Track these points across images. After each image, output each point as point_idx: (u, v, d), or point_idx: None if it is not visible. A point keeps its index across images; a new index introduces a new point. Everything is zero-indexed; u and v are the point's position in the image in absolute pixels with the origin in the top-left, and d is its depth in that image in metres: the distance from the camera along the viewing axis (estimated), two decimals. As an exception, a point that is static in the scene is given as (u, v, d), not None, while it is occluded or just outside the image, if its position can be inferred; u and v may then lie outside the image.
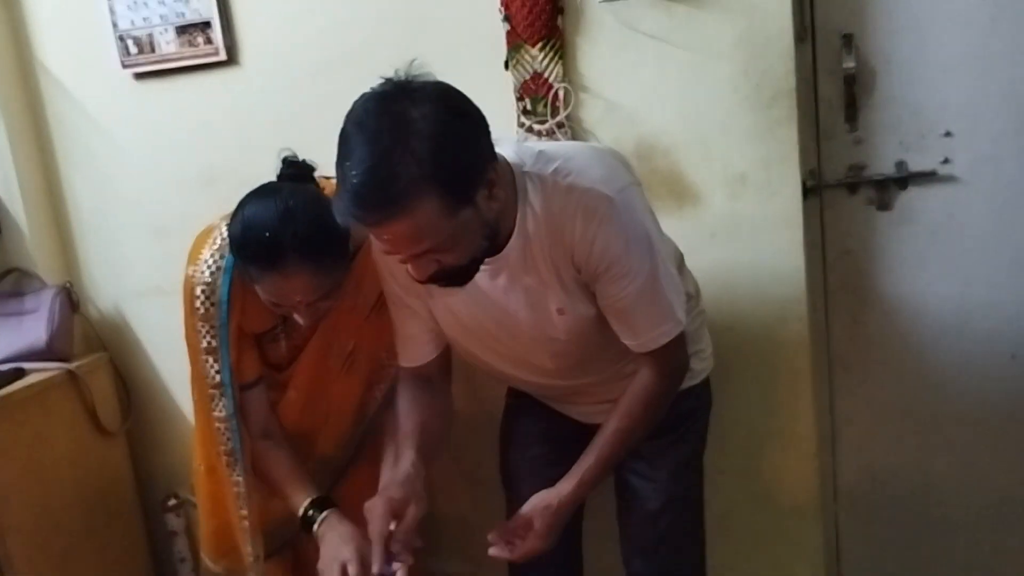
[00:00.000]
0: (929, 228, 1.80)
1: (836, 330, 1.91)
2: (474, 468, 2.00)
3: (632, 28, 1.76)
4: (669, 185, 1.80)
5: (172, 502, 2.29)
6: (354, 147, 1.19)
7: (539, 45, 1.80)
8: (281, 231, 1.39)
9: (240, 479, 1.65)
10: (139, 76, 2.15)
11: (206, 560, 1.83)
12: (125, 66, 2.14)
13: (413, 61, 1.24)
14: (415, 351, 1.57)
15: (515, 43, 1.82)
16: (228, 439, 1.64)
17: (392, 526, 1.40)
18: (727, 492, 1.90)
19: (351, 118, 1.22)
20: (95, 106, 2.21)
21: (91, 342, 2.30)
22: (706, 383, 1.68)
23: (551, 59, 1.80)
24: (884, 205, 1.81)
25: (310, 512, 1.58)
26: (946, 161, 1.76)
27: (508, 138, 1.34)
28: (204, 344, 1.60)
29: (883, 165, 1.80)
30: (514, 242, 1.36)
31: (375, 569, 1.37)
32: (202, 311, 1.58)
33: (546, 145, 1.47)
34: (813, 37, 1.78)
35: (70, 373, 2.15)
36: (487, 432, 1.80)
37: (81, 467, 2.18)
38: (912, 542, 1.96)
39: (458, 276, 1.33)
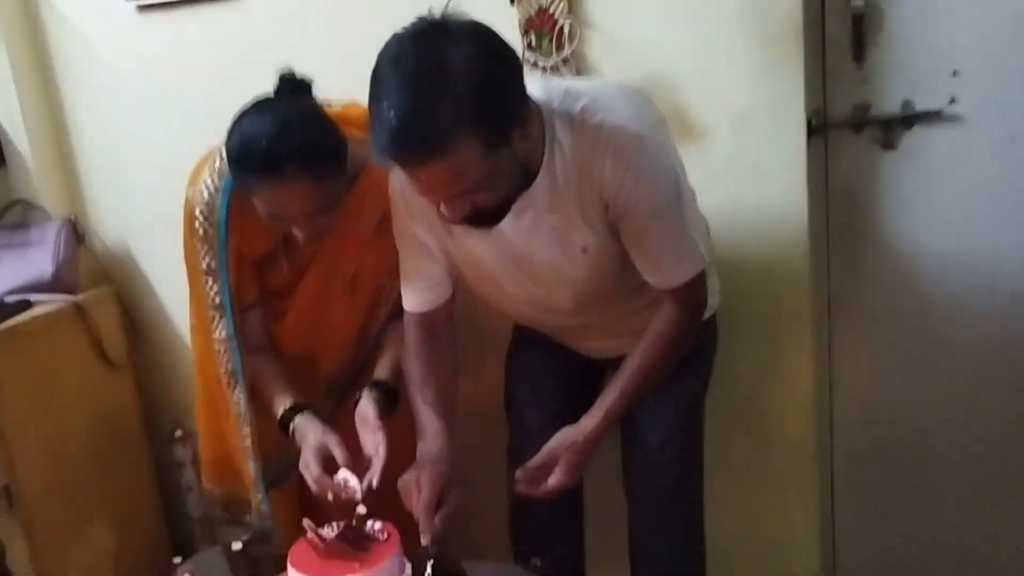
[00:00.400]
0: (933, 168, 1.79)
1: (837, 270, 1.92)
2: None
3: (640, -39, 1.74)
4: (673, 122, 1.76)
5: (179, 433, 2.32)
6: (391, 88, 1.19)
7: (545, -21, 1.79)
8: (278, 141, 1.39)
9: (241, 398, 1.68)
10: (142, 8, 2.13)
11: (208, 485, 1.87)
12: (128, -1, 2.13)
13: (448, 2, 1.23)
14: (423, 296, 1.57)
15: (520, -23, 1.81)
16: (228, 360, 1.66)
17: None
18: (727, 428, 1.92)
19: (385, 58, 1.22)
20: (99, 39, 2.20)
21: (96, 275, 2.32)
22: (713, 320, 1.70)
23: (557, -7, 1.79)
24: (889, 145, 1.81)
25: (288, 416, 1.62)
26: (953, 101, 1.75)
27: (534, 76, 1.33)
28: (204, 266, 1.61)
29: (889, 104, 1.79)
30: (540, 181, 1.36)
31: (424, 540, 1.38)
32: (201, 232, 1.59)
33: (572, 82, 1.48)
34: (822, -26, 1.77)
35: (76, 305, 2.17)
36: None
37: (88, 399, 2.21)
38: (906, 480, 1.99)
39: (491, 216, 1.35)
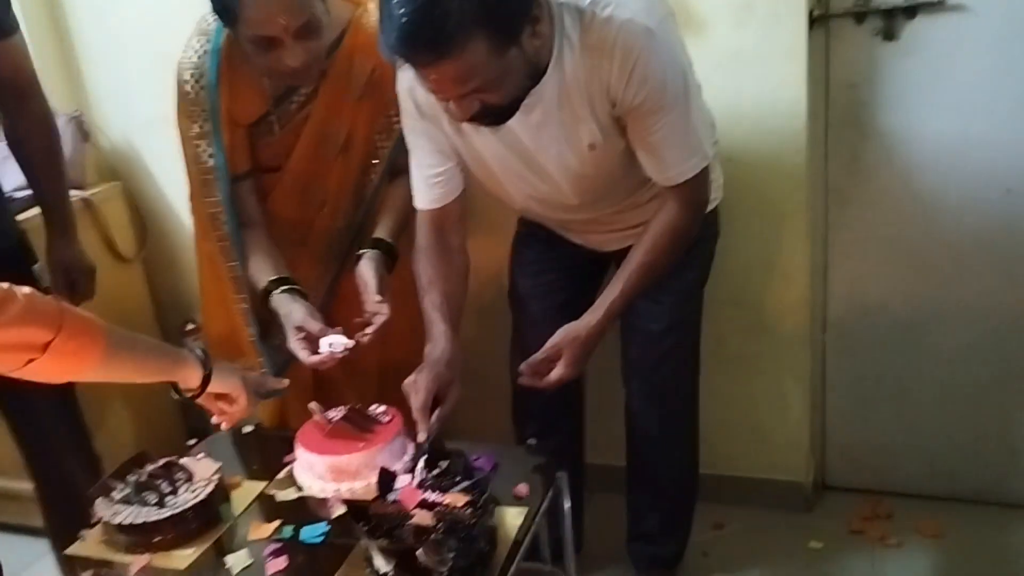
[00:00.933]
0: (934, 60, 1.78)
1: (834, 163, 1.93)
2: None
3: None
4: (675, 10, 1.76)
5: (190, 326, 2.38)
6: None
7: None
8: None
9: (236, 263, 1.73)
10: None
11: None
12: None
13: None
14: (433, 192, 1.58)
15: None
16: (224, 223, 1.70)
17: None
18: (723, 319, 1.98)
19: None
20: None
21: (103, 172, 2.35)
22: (715, 213, 1.72)
23: None
24: (890, 35, 1.79)
25: (270, 288, 1.67)
26: (957, -10, 1.73)
27: None
28: (195, 130, 1.64)
29: (892, -7, 1.77)
30: (550, 77, 1.36)
31: (420, 437, 1.44)
32: (192, 95, 1.62)
33: None
34: None
35: (85, 201, 2.21)
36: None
37: (100, 293, 2.25)
38: (895, 370, 2.05)
39: (500, 114, 1.36)
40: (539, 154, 1.47)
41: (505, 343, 1.88)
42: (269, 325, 1.79)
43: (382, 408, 1.52)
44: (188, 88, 1.62)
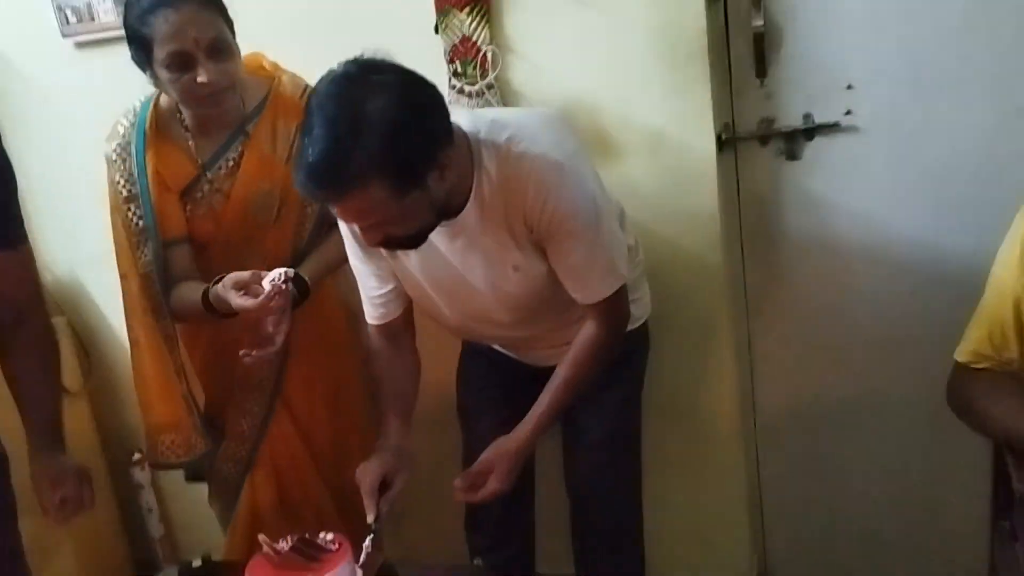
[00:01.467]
0: (835, 175, 1.93)
1: (752, 272, 2.05)
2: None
3: (553, -8, 1.85)
4: (593, 141, 1.89)
5: (137, 456, 2.39)
6: (313, 125, 1.29)
7: (466, 9, 1.88)
8: None
9: (168, 322, 1.77)
10: (80, 45, 2.20)
11: (152, 447, 1.88)
12: (65, 35, 2.18)
13: (378, 49, 1.33)
14: (379, 311, 1.68)
15: (443, 8, 1.90)
16: (155, 283, 1.74)
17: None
18: (661, 426, 2.04)
19: (316, 94, 1.32)
20: (38, 76, 2.26)
21: (49, 307, 2.36)
22: (645, 327, 1.82)
23: (478, 23, 1.89)
24: (793, 155, 1.94)
25: (207, 291, 1.69)
26: (848, 112, 1.88)
27: (463, 109, 1.44)
28: (124, 194, 1.71)
29: (791, 118, 1.92)
30: (471, 206, 1.46)
31: (369, 518, 1.53)
32: (118, 162, 1.71)
33: (498, 112, 1.59)
34: (724, -3, 1.89)
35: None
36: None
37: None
38: (827, 461, 2.14)
39: (406, 243, 1.45)
40: (467, 275, 1.55)
41: (458, 456, 1.93)
42: (213, 412, 1.87)
43: (330, 536, 1.56)
44: (115, 156, 1.72)
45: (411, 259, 1.56)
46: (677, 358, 2.01)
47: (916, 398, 2.01)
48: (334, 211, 1.39)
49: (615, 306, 1.59)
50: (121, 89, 2.15)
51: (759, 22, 1.85)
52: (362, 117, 1.27)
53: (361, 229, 1.40)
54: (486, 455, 1.60)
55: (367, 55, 1.33)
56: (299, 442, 1.91)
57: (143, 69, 1.67)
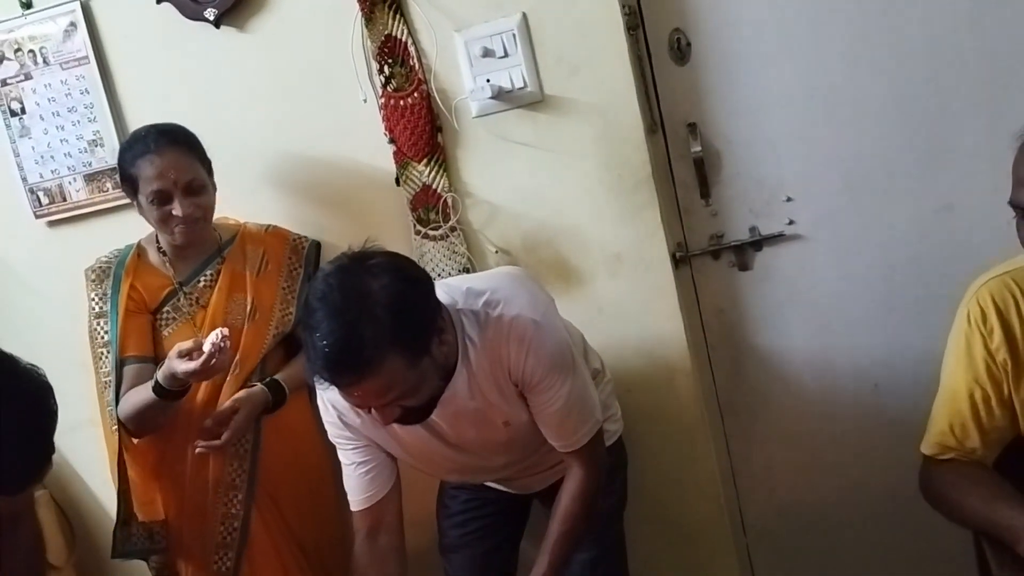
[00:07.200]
0: (785, 282, 2.04)
1: (721, 380, 2.13)
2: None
3: (504, 138, 1.97)
4: (556, 271, 1.99)
5: (126, 628, 2.34)
6: (321, 319, 1.35)
7: (424, 161, 1.99)
8: (155, 128, 1.86)
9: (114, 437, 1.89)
10: (52, 224, 2.27)
11: (130, 529, 1.95)
12: (38, 216, 2.26)
13: (366, 240, 1.44)
14: (365, 493, 1.65)
15: (403, 161, 2.01)
16: (112, 391, 1.87)
17: None
18: (649, 538, 2.06)
19: (314, 293, 1.38)
20: (12, 255, 2.31)
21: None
22: (620, 443, 1.87)
23: (436, 172, 2.00)
24: (744, 266, 2.05)
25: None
26: (791, 223, 2.01)
27: (439, 282, 1.53)
28: (96, 310, 1.94)
29: (738, 231, 2.04)
30: (459, 373, 1.53)
31: None
32: (96, 281, 1.92)
33: (470, 280, 1.66)
34: (663, 128, 2.02)
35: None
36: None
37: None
38: (813, 558, 2.17)
39: (419, 414, 1.50)
40: (460, 438, 1.60)
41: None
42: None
43: None
44: (92, 276, 1.95)
45: (404, 430, 1.58)
46: (659, 467, 2.05)
47: (894, 486, 2.04)
48: (351, 399, 1.42)
49: (595, 449, 1.64)
50: (93, 262, 2.24)
51: (697, 148, 1.99)
52: (368, 298, 1.35)
53: (379, 408, 1.43)
54: None
55: (353, 249, 1.43)
56: (284, 543, 1.95)
57: (130, 199, 1.91)
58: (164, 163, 1.80)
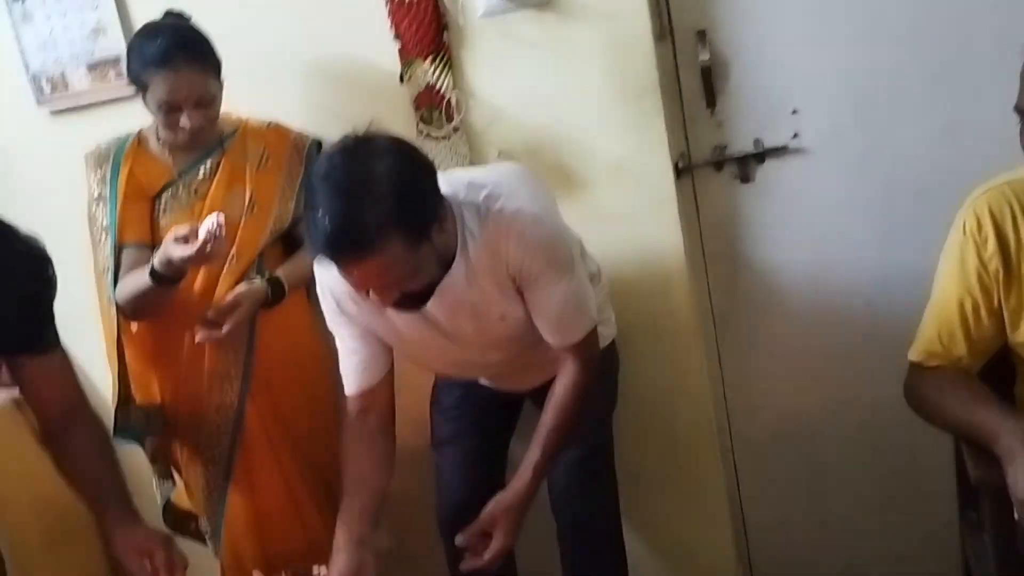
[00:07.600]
0: (786, 195, 2.04)
1: (716, 293, 2.14)
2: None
3: (510, 39, 1.95)
4: (558, 176, 1.99)
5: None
6: (322, 198, 1.36)
7: (429, 59, 1.98)
8: (171, 36, 1.80)
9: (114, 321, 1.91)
10: (55, 113, 2.25)
11: (128, 410, 1.97)
12: (40, 104, 2.25)
13: (370, 122, 1.43)
14: (360, 378, 1.68)
15: (407, 59, 1.99)
16: (109, 279, 1.89)
17: None
18: (638, 444, 2.10)
19: (317, 172, 1.40)
20: (14, 146, 2.30)
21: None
22: (612, 347, 1.89)
23: (441, 71, 1.98)
24: (746, 178, 2.05)
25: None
26: (795, 136, 2.00)
27: (441, 174, 1.52)
28: (95, 194, 1.94)
29: (742, 143, 2.03)
30: (457, 265, 1.54)
31: None
32: (95, 165, 1.93)
33: (472, 174, 1.67)
34: (672, 35, 1.99)
35: (14, 401, 2.25)
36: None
37: (35, 489, 2.27)
38: (798, 469, 2.21)
39: (417, 299, 1.52)
40: (456, 330, 1.62)
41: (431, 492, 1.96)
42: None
43: (323, 570, 1.60)
44: (92, 160, 1.94)
45: (402, 319, 1.60)
46: (650, 375, 2.08)
47: (880, 401, 2.06)
48: (351, 279, 1.44)
49: (589, 346, 1.67)
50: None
51: (705, 56, 1.97)
52: (371, 178, 1.36)
53: (378, 290, 1.45)
54: (487, 512, 1.63)
55: (357, 132, 1.42)
56: (277, 433, 1.98)
57: (136, 89, 1.87)
58: (178, 80, 1.78)
